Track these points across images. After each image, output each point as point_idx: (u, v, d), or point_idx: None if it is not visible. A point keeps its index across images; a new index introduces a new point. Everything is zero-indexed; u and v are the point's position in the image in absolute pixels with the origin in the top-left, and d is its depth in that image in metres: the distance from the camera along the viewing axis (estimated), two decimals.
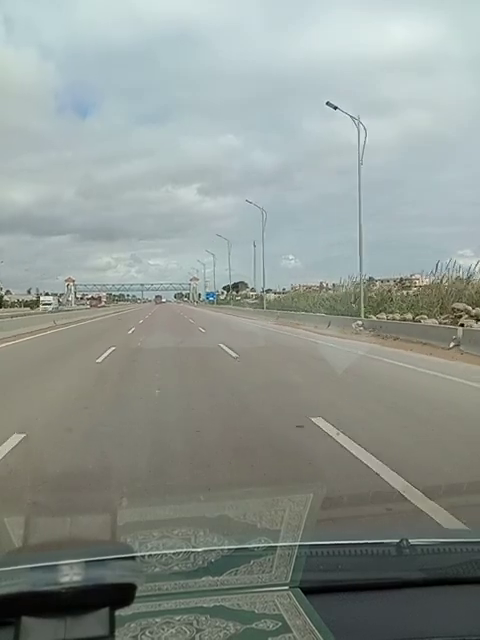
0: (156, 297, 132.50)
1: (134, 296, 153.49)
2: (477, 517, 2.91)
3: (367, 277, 31.55)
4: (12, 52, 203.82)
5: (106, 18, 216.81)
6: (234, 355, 12.12)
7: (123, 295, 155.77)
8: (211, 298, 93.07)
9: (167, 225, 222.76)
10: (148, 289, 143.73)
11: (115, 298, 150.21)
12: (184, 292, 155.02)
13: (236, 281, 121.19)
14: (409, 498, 3.35)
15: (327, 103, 22.06)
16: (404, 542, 1.29)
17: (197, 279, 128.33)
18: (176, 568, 1.19)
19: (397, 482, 3.70)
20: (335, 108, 21.87)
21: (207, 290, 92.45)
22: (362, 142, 21.36)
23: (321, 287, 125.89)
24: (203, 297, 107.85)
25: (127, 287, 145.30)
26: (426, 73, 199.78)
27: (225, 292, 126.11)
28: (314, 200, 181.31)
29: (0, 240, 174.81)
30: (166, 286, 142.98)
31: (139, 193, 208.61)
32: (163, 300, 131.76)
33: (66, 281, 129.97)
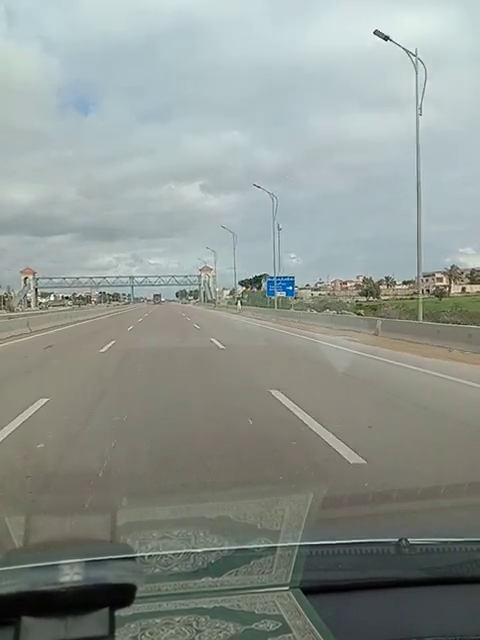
0: (154, 296, 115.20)
1: (128, 295, 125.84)
2: (477, 517, 2.91)
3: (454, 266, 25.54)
4: (14, 49, 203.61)
5: (109, 12, 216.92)
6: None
7: (118, 294, 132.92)
8: (283, 291, 44.06)
9: (169, 224, 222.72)
10: (143, 285, 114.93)
11: (109, 298, 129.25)
12: (189, 289, 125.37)
13: (257, 274, 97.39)
14: (409, 497, 3.35)
15: (375, 32, 18.50)
16: (404, 542, 1.29)
17: (210, 269, 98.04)
18: (176, 569, 1.19)
19: None
20: (386, 39, 18.32)
21: (277, 275, 42.26)
22: (421, 84, 17.44)
23: (365, 282, 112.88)
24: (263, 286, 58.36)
25: (110, 281, 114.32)
26: (434, 68, 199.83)
27: (244, 288, 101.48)
28: (316, 198, 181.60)
29: (1, 240, 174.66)
30: (167, 280, 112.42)
31: (141, 191, 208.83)
32: (162, 300, 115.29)
33: (23, 273, 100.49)
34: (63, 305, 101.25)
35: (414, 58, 17.93)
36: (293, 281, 46.64)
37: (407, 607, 1.15)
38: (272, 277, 44.56)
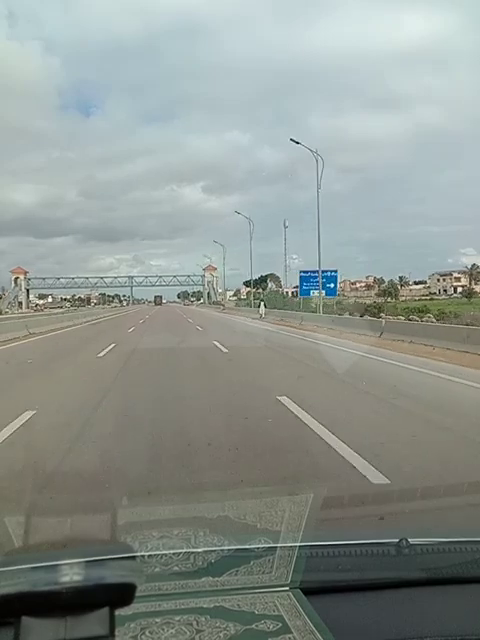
0: (155, 298, 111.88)
1: (126, 296, 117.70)
2: (477, 517, 2.91)
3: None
4: (15, 50, 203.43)
5: (110, 12, 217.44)
6: None
7: (119, 296, 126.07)
8: (321, 289, 29.64)
9: (171, 225, 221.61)
10: (142, 285, 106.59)
11: (109, 299, 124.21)
12: (191, 290, 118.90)
13: (263, 274, 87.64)
14: (409, 498, 3.35)
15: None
16: (404, 542, 1.29)
17: (215, 268, 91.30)
18: (176, 568, 1.19)
19: None
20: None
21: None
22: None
23: (376, 281, 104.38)
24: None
25: (107, 282, 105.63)
26: (437, 68, 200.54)
27: (250, 289, 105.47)
28: (319, 199, 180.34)
29: (1, 242, 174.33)
30: (168, 280, 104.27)
31: (142, 193, 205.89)
32: (164, 301, 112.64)
33: (13, 273, 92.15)
34: (61, 307, 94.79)
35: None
36: (336, 277, 32.84)
37: (407, 607, 1.15)
38: (308, 271, 32.46)
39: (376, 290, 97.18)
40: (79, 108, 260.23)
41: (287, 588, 1.17)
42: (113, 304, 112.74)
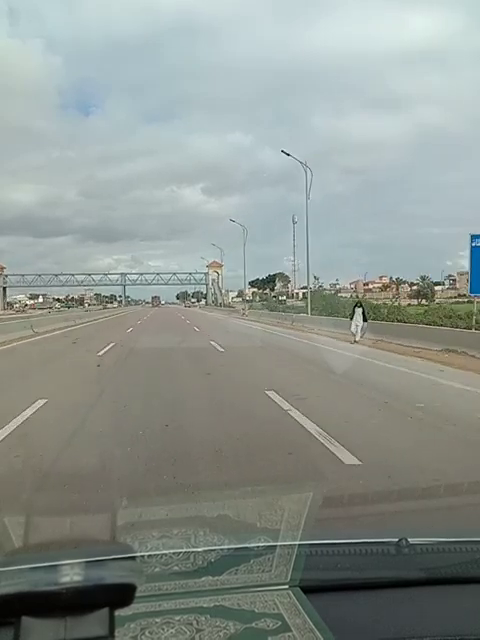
0: (153, 298, 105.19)
1: (120, 296, 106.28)
2: (477, 517, 2.91)
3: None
4: (17, 47, 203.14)
5: (112, 11, 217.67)
6: None
7: (115, 296, 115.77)
8: None
9: (170, 226, 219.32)
10: (137, 283, 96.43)
11: (105, 300, 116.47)
12: (191, 290, 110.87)
13: (272, 273, 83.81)
14: (409, 497, 3.36)
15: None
16: (403, 541, 1.29)
17: (220, 265, 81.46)
18: (176, 568, 1.19)
19: None
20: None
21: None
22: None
23: (399, 282, 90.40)
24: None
25: (96, 279, 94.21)
26: (438, 68, 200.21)
27: (255, 290, 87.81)
28: (320, 200, 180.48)
29: (1, 242, 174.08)
30: (167, 279, 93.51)
31: (142, 193, 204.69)
32: (163, 302, 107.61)
33: None
34: (50, 308, 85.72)
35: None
36: None
37: (406, 607, 1.15)
38: None
39: (393, 290, 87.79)
40: (79, 107, 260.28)
41: (287, 586, 1.17)
42: (94, 306, 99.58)
